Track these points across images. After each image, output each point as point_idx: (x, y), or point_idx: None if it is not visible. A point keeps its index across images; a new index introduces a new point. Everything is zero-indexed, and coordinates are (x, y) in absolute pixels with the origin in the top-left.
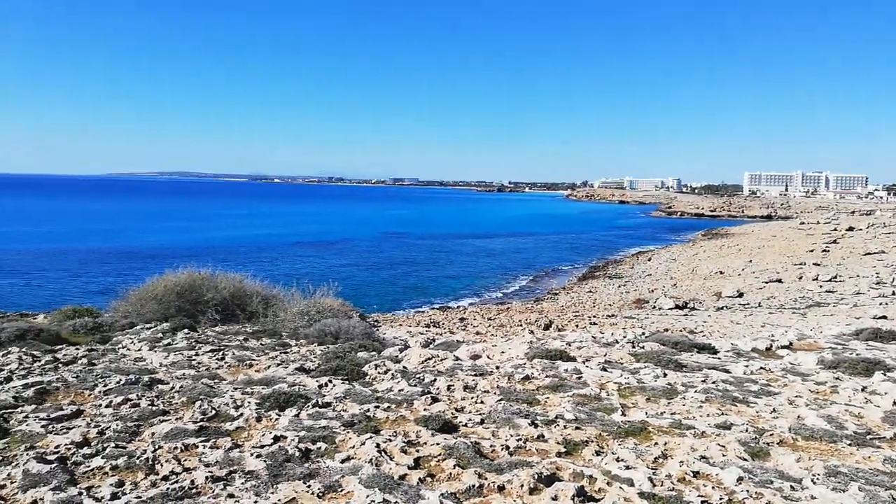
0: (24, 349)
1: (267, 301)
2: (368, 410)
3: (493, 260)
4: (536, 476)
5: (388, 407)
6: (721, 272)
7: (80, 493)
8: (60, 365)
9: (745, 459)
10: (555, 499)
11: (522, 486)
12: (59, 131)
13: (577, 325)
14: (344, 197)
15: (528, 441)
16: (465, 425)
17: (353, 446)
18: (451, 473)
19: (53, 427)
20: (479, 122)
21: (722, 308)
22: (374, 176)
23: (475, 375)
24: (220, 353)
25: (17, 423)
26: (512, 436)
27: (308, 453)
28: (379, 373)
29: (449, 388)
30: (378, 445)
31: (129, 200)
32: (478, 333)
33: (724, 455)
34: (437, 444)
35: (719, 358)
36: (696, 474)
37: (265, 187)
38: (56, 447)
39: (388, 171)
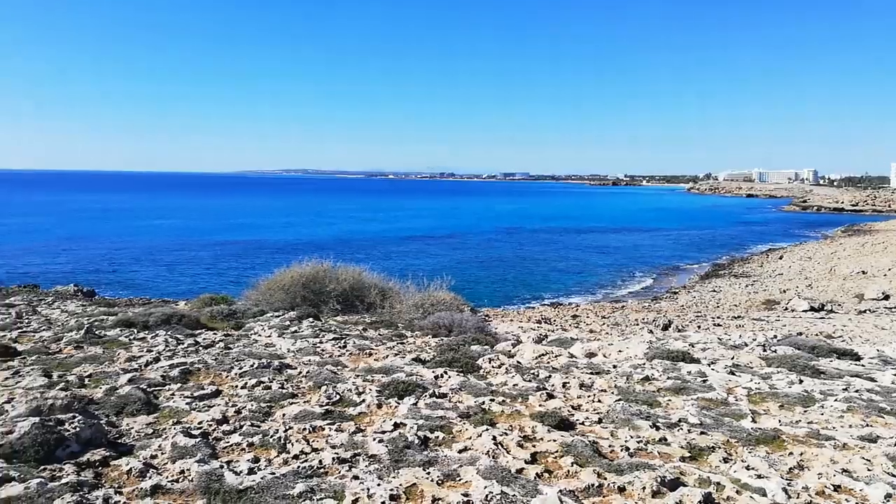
0: (169, 332)
1: (384, 293)
2: (483, 403)
3: (608, 256)
4: (659, 479)
5: (503, 401)
6: (864, 272)
7: (222, 467)
8: (200, 348)
9: (893, 475)
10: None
11: (644, 488)
12: (198, 132)
13: (698, 326)
14: (454, 192)
15: (650, 443)
16: (583, 423)
17: (470, 437)
18: (568, 471)
19: (196, 405)
20: (592, 114)
21: (864, 311)
22: (485, 171)
23: (591, 374)
24: (342, 341)
25: (165, 400)
26: (632, 437)
27: (427, 441)
28: (493, 367)
29: (564, 385)
30: (494, 438)
31: (256, 196)
32: (591, 331)
33: (869, 469)
34: (554, 440)
35: (863, 365)
36: (836, 488)
37: (380, 183)
38: (199, 423)
39: (498, 165)
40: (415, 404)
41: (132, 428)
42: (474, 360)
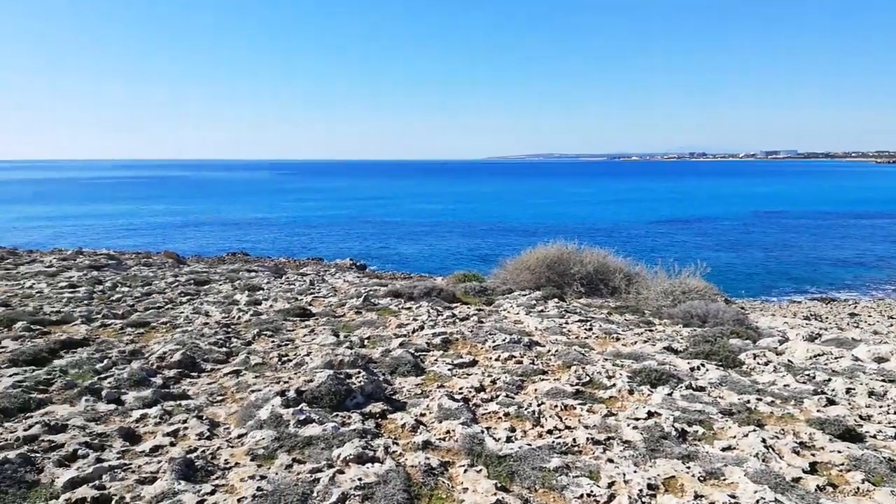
0: (430, 304)
1: (629, 278)
2: (749, 402)
3: None
4: None
5: (772, 401)
6: None
7: (482, 432)
8: (457, 320)
9: None
10: None
11: None
12: (444, 121)
13: None
14: (705, 174)
15: None
16: (874, 437)
17: (734, 436)
18: (858, 488)
19: (456, 371)
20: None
21: None
22: (742, 149)
23: (884, 381)
24: (588, 324)
25: (430, 364)
26: None
27: (685, 434)
28: (758, 363)
29: (848, 391)
30: (764, 441)
31: (502, 181)
32: (876, 333)
33: None
34: (838, 451)
35: None
36: None
37: (622, 166)
38: (460, 389)
39: (758, 142)
40: (669, 394)
41: (404, 387)
42: (735, 354)
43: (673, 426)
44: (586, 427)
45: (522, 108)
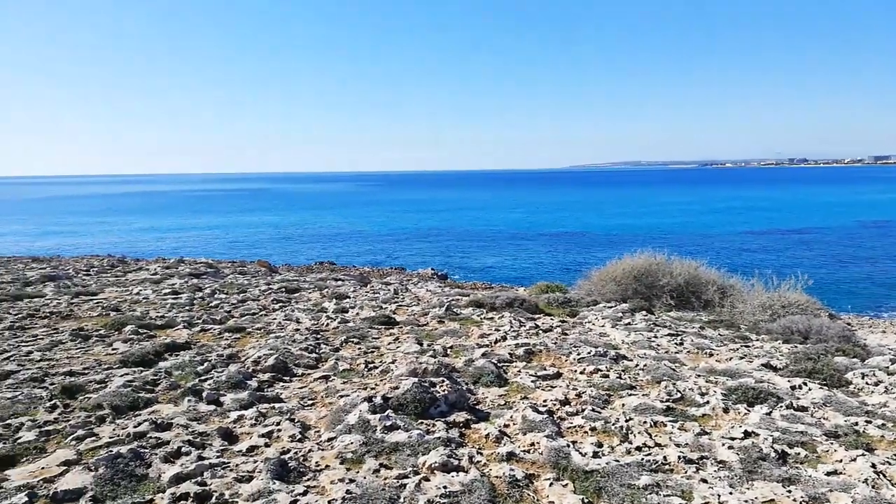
0: (513, 315)
1: (723, 290)
2: (856, 424)
3: None
4: None
5: (883, 424)
6: None
7: (568, 445)
8: (540, 331)
9: None
10: None
11: None
12: (528, 131)
13: None
14: (806, 181)
15: None
16: None
17: (840, 460)
18: None
19: (540, 383)
20: None
21: None
22: (847, 154)
23: None
24: (678, 338)
25: (513, 376)
26: None
27: (785, 456)
28: (867, 383)
29: None
30: (874, 466)
31: (583, 190)
32: None
33: None
34: None
35: None
36: None
37: (715, 173)
38: (544, 401)
39: (866, 147)
40: (768, 414)
41: (487, 397)
42: (840, 373)
43: (772, 447)
44: (678, 445)
45: (605, 114)
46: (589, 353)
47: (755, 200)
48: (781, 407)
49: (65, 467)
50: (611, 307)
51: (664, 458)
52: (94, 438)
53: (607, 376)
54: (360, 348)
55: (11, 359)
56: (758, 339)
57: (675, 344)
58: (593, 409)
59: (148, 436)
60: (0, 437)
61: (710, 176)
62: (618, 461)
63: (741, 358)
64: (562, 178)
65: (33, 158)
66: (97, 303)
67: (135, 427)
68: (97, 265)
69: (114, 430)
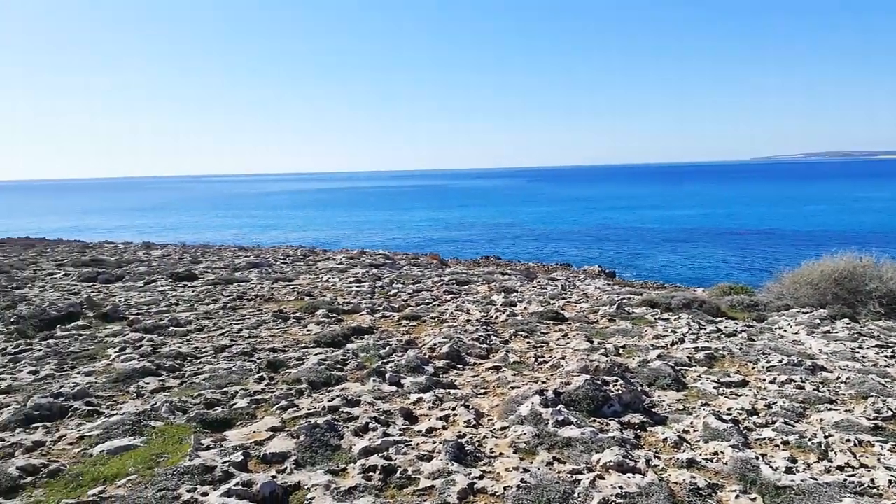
0: (691, 316)
1: None
2: None
3: None
4: None
5: None
6: None
7: (757, 458)
8: (723, 335)
9: None
10: None
11: None
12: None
13: None
14: None
15: None
16: None
17: None
18: None
19: (723, 391)
20: None
21: None
22: None
23: None
24: (889, 350)
25: (692, 380)
26: None
27: None
28: None
29: None
30: None
31: (770, 184)
32: None
33: None
34: None
35: None
36: None
37: None
38: (728, 409)
39: None
40: None
41: (663, 401)
42: None
43: None
44: (888, 468)
45: (793, 98)
46: (780, 361)
47: None
48: None
49: (272, 433)
50: (806, 313)
51: (871, 480)
52: (294, 409)
53: (802, 388)
54: (529, 342)
55: (226, 334)
56: None
57: (886, 357)
58: (786, 422)
59: (340, 410)
60: (219, 403)
61: None
62: (815, 479)
63: None
64: (747, 170)
65: (222, 159)
66: (293, 288)
67: (329, 401)
68: (292, 254)
69: (311, 402)
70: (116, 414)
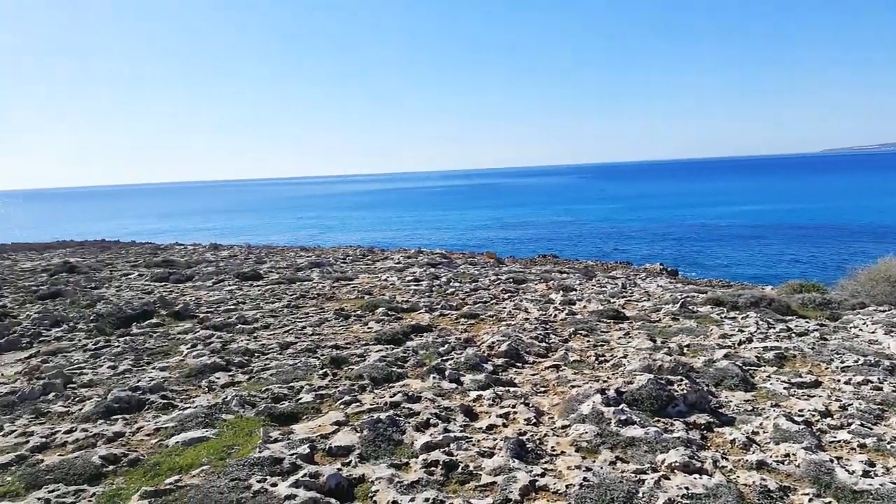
0: (759, 315)
1: None
2: None
3: None
4: None
5: None
6: None
7: (832, 461)
8: (793, 335)
9: None
10: None
11: None
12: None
13: None
14: None
15: None
16: None
17: None
18: None
19: (794, 391)
20: None
21: None
22: None
23: None
24: None
25: (762, 381)
26: None
27: None
28: None
29: None
30: None
31: (840, 177)
32: None
33: None
34: None
35: None
36: None
37: None
38: (800, 411)
39: None
40: None
41: (731, 401)
42: None
43: None
44: None
45: (865, 85)
46: (856, 361)
47: None
48: None
49: (336, 427)
50: (884, 311)
51: None
52: (357, 404)
53: (880, 389)
54: (588, 341)
55: (290, 332)
56: None
57: None
58: (862, 425)
59: (401, 406)
60: (286, 397)
61: None
62: (894, 484)
63: None
64: (815, 163)
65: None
66: (353, 287)
67: (391, 397)
68: (351, 254)
69: (373, 398)
70: (190, 407)
